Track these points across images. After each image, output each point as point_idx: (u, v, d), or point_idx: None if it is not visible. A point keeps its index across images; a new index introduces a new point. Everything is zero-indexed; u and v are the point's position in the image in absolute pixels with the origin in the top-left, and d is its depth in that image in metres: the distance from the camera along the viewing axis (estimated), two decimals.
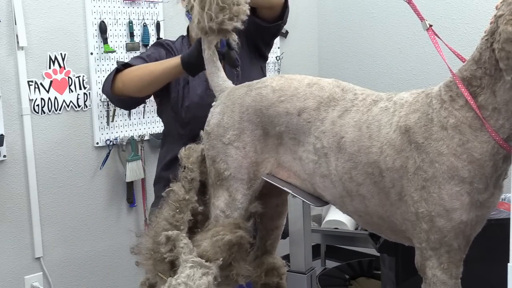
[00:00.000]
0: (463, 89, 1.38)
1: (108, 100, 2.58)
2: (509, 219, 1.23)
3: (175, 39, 2.43)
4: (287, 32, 3.58)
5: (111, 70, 2.27)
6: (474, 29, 2.93)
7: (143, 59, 2.28)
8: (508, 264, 1.21)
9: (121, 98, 2.27)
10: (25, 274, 2.61)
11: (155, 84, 2.16)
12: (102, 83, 2.34)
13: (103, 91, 2.38)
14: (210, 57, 1.79)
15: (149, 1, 2.86)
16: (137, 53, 2.79)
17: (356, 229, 2.92)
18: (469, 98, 1.38)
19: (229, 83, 1.80)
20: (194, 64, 2.00)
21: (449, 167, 1.38)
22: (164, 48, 2.34)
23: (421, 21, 1.56)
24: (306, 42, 3.72)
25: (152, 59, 2.28)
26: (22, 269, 2.60)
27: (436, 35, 1.55)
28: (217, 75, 1.80)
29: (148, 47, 2.42)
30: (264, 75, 2.35)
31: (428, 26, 1.55)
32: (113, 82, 2.21)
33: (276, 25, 2.25)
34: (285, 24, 2.33)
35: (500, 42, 1.28)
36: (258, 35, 2.27)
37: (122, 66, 2.22)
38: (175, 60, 2.08)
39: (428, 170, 1.40)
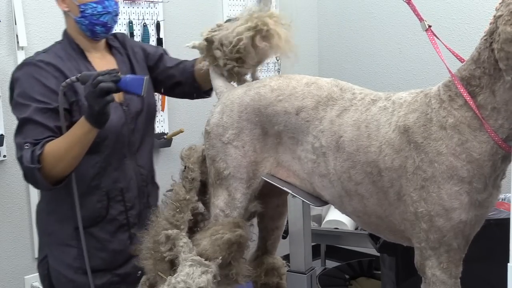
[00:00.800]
0: (461, 89, 1.39)
1: None
2: (509, 219, 1.24)
3: (43, 49, 2.03)
4: None
5: (27, 169, 1.81)
6: (474, 29, 2.93)
7: (31, 121, 1.84)
8: (508, 264, 1.22)
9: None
10: (25, 274, 2.62)
11: (81, 157, 1.84)
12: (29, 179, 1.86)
13: (32, 182, 1.87)
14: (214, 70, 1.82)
15: (149, 1, 2.87)
16: None
17: (356, 229, 2.92)
18: (467, 97, 1.38)
19: (229, 85, 1.81)
20: (103, 117, 1.77)
21: (448, 166, 1.39)
22: (41, 69, 1.88)
23: (420, 22, 1.56)
24: (306, 42, 3.72)
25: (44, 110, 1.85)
26: (22, 269, 2.61)
27: (435, 35, 1.55)
28: (219, 77, 1.81)
29: (20, 80, 1.87)
30: None
31: (427, 27, 1.56)
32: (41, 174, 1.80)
33: (197, 94, 2.17)
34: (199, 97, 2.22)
35: (500, 42, 1.28)
36: (167, 80, 2.15)
37: (37, 162, 1.79)
38: (86, 124, 1.77)
39: (427, 170, 1.40)
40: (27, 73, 1.87)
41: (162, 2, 2.90)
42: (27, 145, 1.80)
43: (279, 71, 3.50)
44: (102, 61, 2.01)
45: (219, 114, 1.70)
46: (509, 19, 1.26)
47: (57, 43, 2.02)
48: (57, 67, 1.89)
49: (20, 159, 1.82)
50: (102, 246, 1.94)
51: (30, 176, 1.81)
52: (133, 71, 2.04)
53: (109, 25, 1.94)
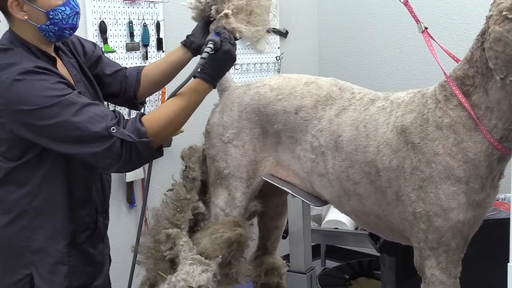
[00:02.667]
0: (455, 89, 1.39)
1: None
2: (509, 219, 1.24)
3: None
4: (287, 32, 3.58)
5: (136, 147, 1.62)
6: (474, 29, 2.93)
7: (85, 105, 1.61)
8: (508, 264, 1.22)
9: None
10: None
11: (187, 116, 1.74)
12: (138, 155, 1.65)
13: (135, 164, 1.67)
14: None
15: (149, 1, 2.87)
16: (137, 53, 2.80)
17: (356, 229, 2.92)
18: (461, 97, 1.38)
19: (231, 83, 1.81)
20: (227, 65, 1.72)
21: (445, 167, 1.39)
22: (40, 73, 1.62)
23: (417, 24, 1.57)
24: (306, 42, 3.72)
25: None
26: None
27: (431, 37, 1.55)
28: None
29: (26, 90, 1.56)
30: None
31: (423, 29, 1.56)
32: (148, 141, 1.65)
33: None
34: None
35: (489, 41, 1.30)
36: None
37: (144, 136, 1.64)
38: (201, 85, 1.68)
39: (424, 170, 1.41)
40: (31, 81, 1.61)
41: (162, 2, 2.90)
42: (113, 129, 1.59)
43: (279, 71, 3.50)
44: (59, 65, 1.76)
45: (219, 113, 1.71)
46: (498, 19, 1.28)
47: (10, 50, 1.67)
48: (53, 70, 1.67)
49: (110, 148, 1.58)
50: (90, 260, 1.80)
51: (136, 153, 1.61)
52: (83, 73, 1.84)
53: (76, 27, 1.74)
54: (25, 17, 1.65)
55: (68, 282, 1.74)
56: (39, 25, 1.67)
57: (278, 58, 3.50)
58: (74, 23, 1.72)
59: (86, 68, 1.86)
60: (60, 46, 1.81)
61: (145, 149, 1.62)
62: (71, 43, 1.86)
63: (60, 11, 1.66)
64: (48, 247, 1.73)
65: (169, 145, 2.98)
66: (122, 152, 1.60)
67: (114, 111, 1.66)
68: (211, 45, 1.69)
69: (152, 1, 2.88)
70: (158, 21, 2.90)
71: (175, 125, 1.67)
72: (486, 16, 1.33)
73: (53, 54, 1.74)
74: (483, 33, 1.35)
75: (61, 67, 1.74)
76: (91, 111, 1.59)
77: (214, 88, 1.73)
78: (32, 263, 1.73)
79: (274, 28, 3.50)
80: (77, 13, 1.71)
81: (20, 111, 1.59)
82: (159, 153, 1.69)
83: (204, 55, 1.69)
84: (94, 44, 1.97)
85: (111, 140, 1.58)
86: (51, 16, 1.66)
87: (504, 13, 1.26)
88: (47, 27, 1.67)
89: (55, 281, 1.74)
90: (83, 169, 1.73)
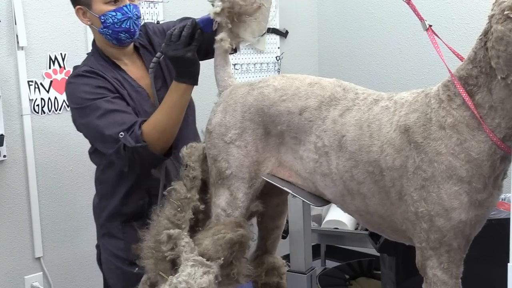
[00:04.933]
0: (460, 88, 1.39)
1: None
2: (509, 219, 1.24)
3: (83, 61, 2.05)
4: (287, 32, 3.59)
5: (134, 152, 1.83)
6: (474, 29, 2.93)
7: (110, 111, 1.86)
8: (508, 264, 1.22)
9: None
10: (25, 274, 2.62)
11: (180, 122, 1.91)
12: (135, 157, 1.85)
13: (138, 167, 1.89)
14: (222, 47, 1.78)
15: (149, 1, 2.87)
16: None
17: (356, 229, 2.92)
18: (465, 96, 1.38)
19: (233, 79, 1.80)
20: (195, 73, 1.86)
21: (448, 166, 1.39)
22: (89, 77, 1.93)
23: (421, 22, 1.56)
24: (306, 42, 3.72)
25: (114, 97, 1.91)
26: (22, 269, 2.61)
27: (436, 35, 1.55)
28: (224, 69, 1.80)
29: (72, 91, 1.93)
30: None
31: (427, 27, 1.56)
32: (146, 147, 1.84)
33: None
34: None
35: (492, 41, 1.30)
36: None
37: (140, 140, 1.83)
38: (180, 87, 1.84)
39: (427, 169, 1.41)
40: (78, 84, 1.92)
41: (162, 2, 2.90)
42: (121, 134, 1.82)
43: (279, 71, 3.50)
44: (133, 67, 2.05)
45: (221, 113, 1.70)
46: (500, 18, 1.27)
47: (90, 55, 2.05)
48: (100, 74, 1.94)
49: (118, 151, 1.83)
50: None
51: (138, 156, 1.83)
52: (161, 68, 2.05)
53: (132, 30, 1.95)
54: (89, 23, 1.96)
55: (124, 255, 2.03)
56: (98, 29, 1.93)
57: (278, 58, 3.50)
58: (128, 27, 1.93)
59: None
60: (145, 46, 2.07)
61: (145, 152, 1.82)
62: (154, 41, 2.09)
63: (110, 15, 1.90)
64: (107, 223, 2.09)
65: None
66: (126, 156, 1.82)
67: (136, 120, 1.86)
68: (159, 54, 1.88)
69: (152, 1, 2.89)
70: (158, 21, 2.91)
71: (167, 127, 1.85)
72: (488, 16, 1.33)
73: (122, 57, 2.01)
74: (486, 33, 1.34)
75: (134, 69, 2.00)
76: (112, 117, 1.84)
77: (193, 85, 1.87)
78: (100, 235, 2.14)
79: (274, 28, 3.51)
80: (129, 18, 1.93)
81: (70, 109, 1.99)
82: (163, 156, 1.89)
83: (155, 60, 1.89)
84: (175, 22, 2.09)
85: (117, 144, 1.82)
86: (102, 20, 1.90)
87: (506, 12, 1.26)
88: (102, 30, 1.92)
89: (113, 253, 2.07)
90: None
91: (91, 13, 1.92)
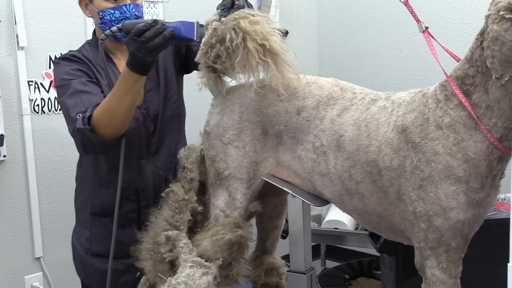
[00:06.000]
0: (455, 88, 1.40)
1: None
2: (509, 219, 1.24)
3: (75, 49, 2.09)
4: (287, 32, 3.58)
5: (79, 134, 1.82)
6: (474, 29, 2.92)
7: (80, 91, 1.88)
8: (508, 264, 1.22)
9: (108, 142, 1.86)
10: (25, 274, 2.62)
11: (133, 108, 1.85)
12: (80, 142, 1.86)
13: (90, 150, 1.89)
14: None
15: (149, 1, 2.87)
16: None
17: (356, 229, 2.92)
18: (461, 96, 1.38)
19: (225, 83, 1.79)
20: (140, 60, 1.72)
21: (445, 166, 1.39)
22: (72, 61, 1.98)
23: (417, 23, 1.57)
24: (306, 42, 3.72)
25: (81, 79, 1.93)
26: (22, 269, 2.61)
27: (432, 37, 1.56)
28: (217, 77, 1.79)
29: (56, 71, 1.99)
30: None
31: (424, 28, 1.56)
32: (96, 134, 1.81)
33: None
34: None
35: (488, 40, 1.31)
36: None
37: (87, 120, 1.81)
38: (133, 75, 1.76)
39: (424, 169, 1.41)
40: (62, 65, 1.98)
41: (162, 2, 2.90)
42: (79, 115, 1.81)
43: None
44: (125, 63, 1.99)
45: (218, 114, 1.70)
46: (496, 18, 1.28)
47: (87, 43, 2.08)
48: (84, 61, 1.98)
49: (73, 132, 1.84)
50: (111, 235, 1.93)
51: (84, 139, 1.81)
52: (156, 70, 2.03)
53: None
54: (89, 15, 2.02)
55: (88, 245, 2.06)
56: (97, 23, 1.97)
57: None
58: None
59: (170, 62, 2.08)
60: None
61: (91, 136, 1.80)
62: None
63: (108, 13, 1.92)
64: (80, 210, 2.11)
65: None
66: (78, 137, 1.83)
67: (93, 103, 1.84)
68: (115, 28, 1.78)
69: (152, 1, 2.88)
70: None
71: (117, 113, 1.79)
72: (485, 15, 1.34)
73: (117, 52, 2.02)
74: (482, 32, 1.35)
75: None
76: (79, 98, 1.86)
77: (143, 75, 1.77)
78: (76, 219, 2.15)
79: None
80: (127, 18, 1.93)
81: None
82: (109, 142, 1.83)
83: (107, 32, 1.80)
84: None
85: (74, 124, 1.82)
86: (101, 16, 1.93)
87: (501, 13, 1.27)
88: (100, 25, 1.95)
89: (80, 241, 2.09)
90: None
91: (92, 7, 1.96)
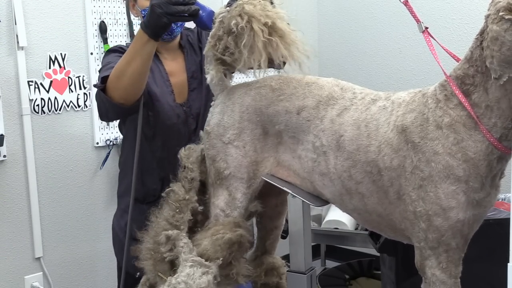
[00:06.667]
0: (455, 88, 1.40)
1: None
2: (509, 219, 1.24)
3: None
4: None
5: (96, 95, 1.96)
6: (474, 29, 2.92)
7: (112, 65, 1.96)
8: (508, 264, 1.21)
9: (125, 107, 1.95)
10: (25, 274, 2.62)
11: (142, 73, 1.87)
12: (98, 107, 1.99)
13: (104, 115, 2.00)
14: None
15: None
16: None
17: (356, 229, 2.92)
18: (460, 96, 1.39)
19: (227, 82, 1.80)
20: (157, 18, 1.74)
21: (445, 166, 1.39)
22: (119, 52, 2.08)
23: (417, 23, 1.57)
24: (306, 42, 3.71)
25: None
26: (22, 269, 2.61)
27: (432, 37, 1.56)
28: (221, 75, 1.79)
29: (103, 60, 2.10)
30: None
31: (424, 28, 1.56)
32: (107, 96, 1.90)
33: None
34: None
35: (487, 40, 1.31)
36: None
37: (101, 82, 1.92)
38: (143, 36, 1.81)
39: (424, 169, 1.41)
40: (109, 55, 2.08)
41: None
42: (102, 78, 1.91)
43: (279, 71, 3.50)
44: (173, 62, 2.12)
45: (219, 114, 1.70)
46: (495, 18, 1.28)
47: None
48: (125, 49, 2.04)
49: (96, 94, 1.93)
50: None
51: (98, 99, 1.91)
52: (201, 70, 2.07)
53: (170, 28, 1.95)
54: (136, 16, 2.15)
55: (128, 231, 2.05)
56: (141, 21, 1.96)
57: None
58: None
59: None
60: (192, 45, 2.14)
61: (101, 94, 1.88)
62: (204, 41, 2.04)
63: None
64: (120, 197, 2.21)
65: None
66: (96, 97, 1.94)
67: None
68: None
69: None
70: None
71: (125, 73, 1.83)
72: (485, 15, 1.34)
73: (163, 51, 2.10)
74: (482, 32, 1.35)
75: (172, 63, 2.06)
76: (111, 64, 1.93)
77: (153, 38, 1.80)
78: (117, 204, 2.26)
79: None
80: None
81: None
82: (118, 105, 1.89)
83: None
84: None
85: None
86: (143, 15, 2.01)
87: (501, 13, 1.27)
88: (143, 23, 1.89)
89: (120, 225, 2.18)
90: (146, 140, 2.04)
91: (136, 6, 2.07)
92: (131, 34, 2.79)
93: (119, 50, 2.09)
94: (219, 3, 2.75)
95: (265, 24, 1.56)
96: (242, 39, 1.57)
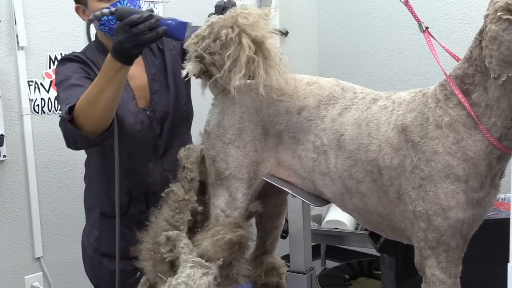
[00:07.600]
0: (454, 88, 1.40)
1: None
2: (509, 219, 1.24)
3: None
4: (287, 32, 3.58)
5: (62, 124, 1.82)
6: (474, 29, 2.91)
7: (74, 85, 1.87)
8: (508, 264, 1.21)
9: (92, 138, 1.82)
10: (25, 274, 2.62)
11: (116, 99, 1.78)
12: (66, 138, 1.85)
13: (72, 144, 1.86)
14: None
15: (149, 1, 2.87)
16: None
17: (356, 229, 2.92)
18: (460, 96, 1.39)
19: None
20: (127, 51, 1.67)
21: (444, 165, 1.39)
22: (74, 61, 1.98)
23: (418, 23, 1.57)
24: (306, 42, 3.72)
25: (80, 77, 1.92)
26: (22, 269, 2.61)
27: (432, 37, 1.56)
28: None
29: (57, 71, 1.99)
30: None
31: (424, 28, 1.57)
32: (76, 127, 1.78)
33: None
34: None
35: (486, 40, 1.31)
36: None
37: (68, 113, 1.78)
38: (116, 64, 1.71)
39: (424, 168, 1.41)
40: (64, 65, 1.98)
41: (162, 2, 2.90)
42: (69, 106, 1.77)
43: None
44: (132, 66, 1.92)
45: (219, 114, 1.70)
46: (494, 18, 1.28)
47: (92, 44, 1.95)
48: (86, 62, 1.97)
49: (59, 123, 1.81)
50: (121, 236, 1.90)
51: (65, 130, 1.78)
52: (165, 72, 2.03)
53: None
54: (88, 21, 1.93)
55: (97, 245, 2.07)
56: (96, 26, 1.96)
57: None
58: None
59: (178, 64, 2.02)
60: (150, 46, 2.03)
61: (69, 126, 1.76)
62: (167, 43, 2.08)
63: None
64: (89, 211, 2.12)
65: None
66: (62, 128, 1.82)
67: None
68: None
69: (152, 1, 2.88)
70: None
71: (97, 102, 1.72)
72: (484, 15, 1.34)
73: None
74: (481, 32, 1.36)
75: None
76: (72, 91, 1.84)
77: (126, 64, 1.71)
78: (85, 219, 2.16)
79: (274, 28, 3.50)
80: None
81: None
82: (89, 135, 1.77)
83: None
84: None
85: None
86: (102, 21, 1.91)
87: (499, 13, 1.27)
88: (99, 28, 1.95)
89: (89, 240, 2.11)
90: (111, 151, 1.89)
91: (88, 11, 1.92)
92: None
93: (74, 59, 1.97)
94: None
95: (254, 41, 1.54)
96: (228, 50, 1.55)
